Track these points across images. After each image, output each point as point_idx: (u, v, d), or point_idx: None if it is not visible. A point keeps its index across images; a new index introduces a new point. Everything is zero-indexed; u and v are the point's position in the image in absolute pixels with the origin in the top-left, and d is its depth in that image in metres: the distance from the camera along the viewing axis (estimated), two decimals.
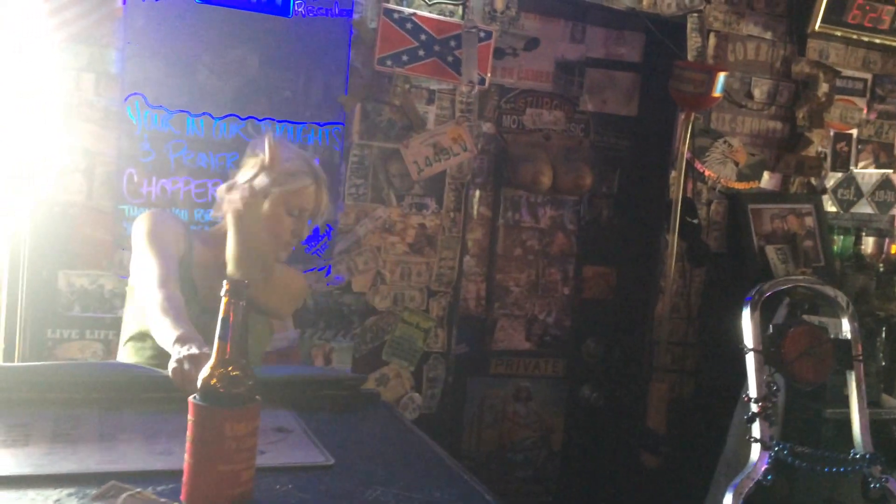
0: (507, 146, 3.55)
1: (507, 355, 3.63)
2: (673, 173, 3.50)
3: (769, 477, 1.20)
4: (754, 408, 1.26)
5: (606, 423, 3.69)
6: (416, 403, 3.20)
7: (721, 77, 3.26)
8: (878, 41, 3.81)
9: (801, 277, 1.38)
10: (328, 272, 3.02)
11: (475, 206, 3.53)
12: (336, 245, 3.04)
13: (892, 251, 3.72)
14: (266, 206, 1.97)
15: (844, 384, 3.02)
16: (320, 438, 1.47)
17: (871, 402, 2.60)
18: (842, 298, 1.42)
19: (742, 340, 1.35)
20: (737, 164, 3.66)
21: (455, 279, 3.25)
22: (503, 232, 3.61)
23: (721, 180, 3.64)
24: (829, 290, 1.40)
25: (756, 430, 1.22)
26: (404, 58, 3.00)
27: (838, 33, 3.73)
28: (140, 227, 1.96)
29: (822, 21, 3.66)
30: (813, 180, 3.80)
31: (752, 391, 1.28)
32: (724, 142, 3.64)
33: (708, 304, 3.62)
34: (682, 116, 3.46)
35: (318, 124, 3.02)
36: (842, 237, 3.76)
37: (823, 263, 3.59)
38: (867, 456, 1.18)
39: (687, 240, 3.56)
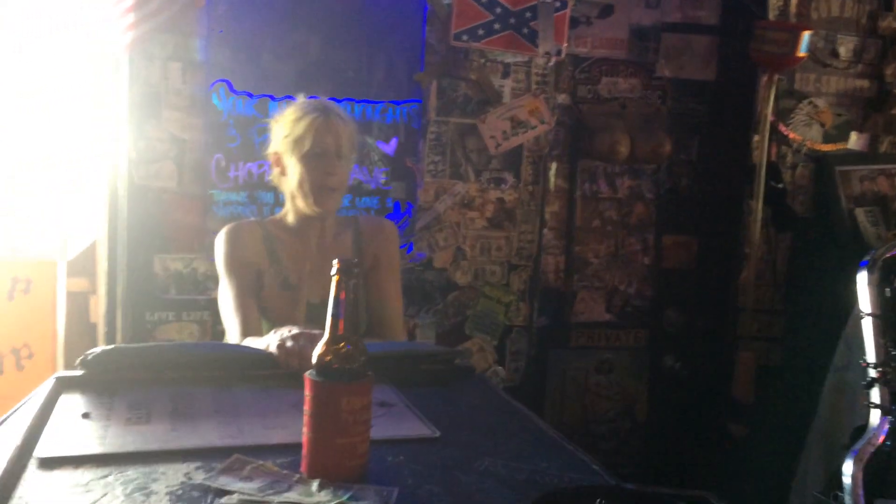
0: (582, 117, 3.52)
1: (587, 327, 3.62)
2: (756, 137, 3.42)
3: (888, 443, 1.19)
4: (873, 373, 1.23)
5: (691, 393, 3.65)
6: (500, 377, 3.23)
7: (806, 36, 3.15)
8: None
9: None
10: (409, 249, 3.06)
11: (552, 179, 3.51)
12: (417, 222, 3.08)
13: None
14: (286, 160, 1.99)
15: None
16: (422, 411, 1.50)
17: None
18: None
19: (858, 305, 1.32)
20: (823, 125, 3.55)
21: (535, 252, 3.25)
22: (581, 203, 3.58)
23: (806, 143, 3.53)
24: None
25: (875, 395, 1.20)
26: (480, 32, 3.00)
27: None
28: (218, 253, 2.01)
29: None
30: None
31: (871, 356, 1.26)
32: (809, 103, 3.53)
33: (795, 270, 3.54)
34: (765, 78, 3.36)
35: (396, 103, 3.05)
36: None
37: None
38: None
39: (772, 205, 3.47)
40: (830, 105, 3.57)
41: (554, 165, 3.50)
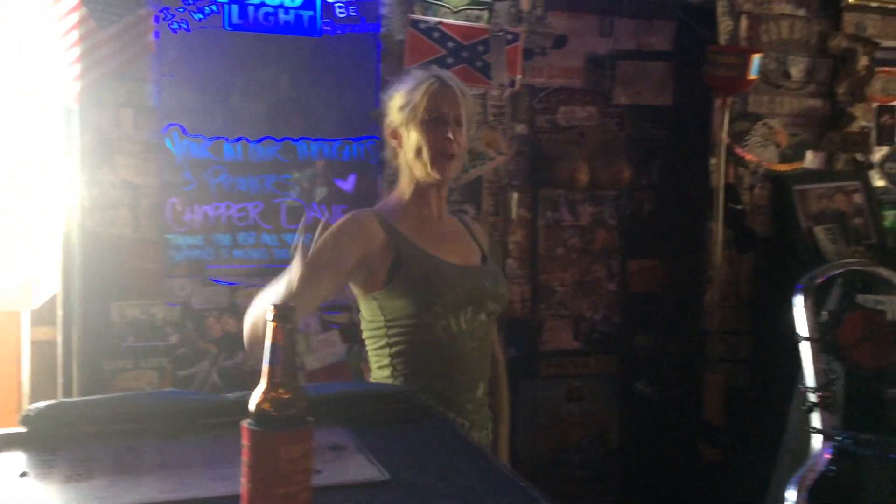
0: (542, 146, 3.54)
1: (556, 356, 3.61)
2: (713, 160, 3.45)
3: (833, 467, 1.17)
4: (813, 398, 1.22)
5: (663, 418, 3.65)
6: None
7: (755, 59, 3.21)
8: None
9: (853, 261, 1.34)
10: None
11: (514, 209, 3.51)
12: None
13: None
14: (403, 131, 1.94)
15: None
16: (375, 454, 1.47)
17: None
18: None
19: (796, 329, 1.31)
20: (778, 145, 3.60)
21: None
22: (544, 232, 3.59)
23: (763, 163, 3.57)
24: (884, 272, 1.34)
25: (816, 420, 1.18)
26: (433, 67, 3.01)
27: (874, 4, 3.64)
28: (336, 225, 1.90)
29: None
30: (858, 156, 3.71)
31: (810, 381, 1.25)
32: (764, 124, 3.58)
33: (758, 290, 3.56)
34: (719, 102, 3.41)
35: (353, 140, 3.05)
36: (893, 212, 3.66)
37: (875, 240, 3.50)
38: None
39: (732, 226, 3.51)
40: (785, 125, 3.61)
41: (515, 195, 3.51)
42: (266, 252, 2.89)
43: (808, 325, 1.30)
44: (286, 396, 1.14)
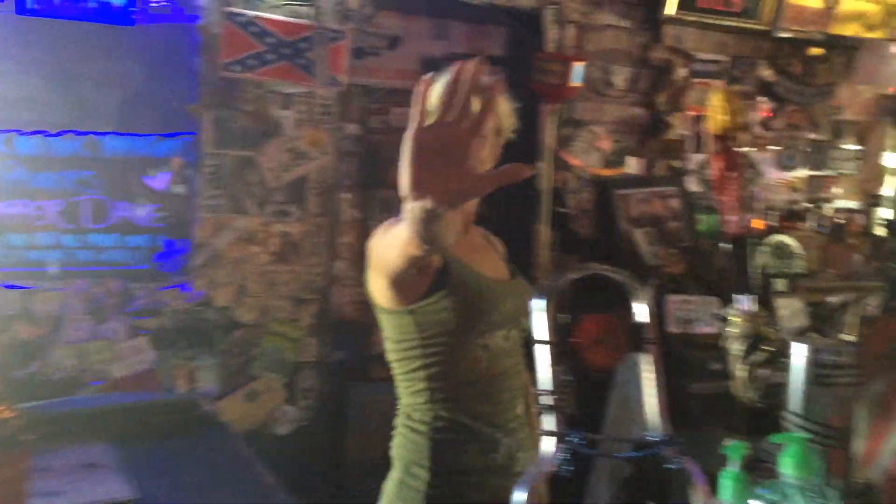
0: (376, 147, 3.51)
1: None
2: (541, 164, 3.52)
3: (568, 468, 1.19)
4: (548, 400, 1.24)
5: None
6: (289, 416, 3.11)
7: (576, 66, 3.29)
8: (730, 24, 3.91)
9: (596, 266, 1.39)
10: (186, 289, 2.91)
11: (345, 210, 3.46)
12: (193, 260, 2.94)
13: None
14: None
15: (713, 359, 3.12)
16: (137, 470, 1.40)
17: (724, 374, 2.70)
18: (633, 282, 1.40)
19: (532, 333, 1.35)
20: (602, 151, 3.72)
21: (325, 285, 3.19)
22: None
23: (587, 168, 3.68)
24: (619, 276, 1.37)
25: (549, 422, 1.19)
26: (251, 62, 2.92)
27: (691, 18, 3.82)
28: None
29: (677, 7, 3.74)
30: (675, 163, 3.88)
31: (545, 383, 1.27)
32: (589, 130, 3.68)
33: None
34: (547, 107, 3.48)
35: (168, 135, 2.91)
36: (706, 216, 3.86)
37: (690, 243, 3.68)
38: (661, 438, 1.18)
39: (558, 229, 3.59)
40: (609, 132, 3.74)
41: (346, 196, 3.46)
42: (66, 254, 2.71)
43: (546, 329, 1.33)
44: None
